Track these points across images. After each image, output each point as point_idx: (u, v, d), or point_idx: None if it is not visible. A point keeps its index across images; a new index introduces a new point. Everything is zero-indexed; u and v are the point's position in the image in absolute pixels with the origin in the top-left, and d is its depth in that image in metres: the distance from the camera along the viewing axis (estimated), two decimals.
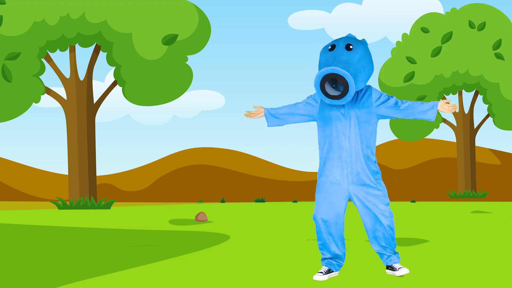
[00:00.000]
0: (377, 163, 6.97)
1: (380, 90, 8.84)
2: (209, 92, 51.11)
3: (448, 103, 6.42)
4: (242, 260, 8.02)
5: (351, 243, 9.69)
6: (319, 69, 6.37)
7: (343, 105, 6.43)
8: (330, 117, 6.45)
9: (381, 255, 6.56)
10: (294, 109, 6.63)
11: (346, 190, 6.44)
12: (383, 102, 6.47)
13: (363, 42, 6.44)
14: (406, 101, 6.47)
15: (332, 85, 6.35)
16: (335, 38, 6.75)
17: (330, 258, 6.57)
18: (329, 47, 6.39)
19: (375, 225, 6.45)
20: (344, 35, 6.50)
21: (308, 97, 6.62)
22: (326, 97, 6.30)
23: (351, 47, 6.32)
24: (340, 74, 6.18)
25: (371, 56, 6.45)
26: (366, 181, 6.41)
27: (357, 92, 6.48)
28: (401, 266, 6.52)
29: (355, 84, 6.23)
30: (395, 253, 6.56)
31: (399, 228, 11.92)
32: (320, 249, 6.58)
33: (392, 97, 6.51)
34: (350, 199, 6.50)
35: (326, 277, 6.49)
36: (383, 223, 6.43)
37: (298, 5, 54.68)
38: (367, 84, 6.52)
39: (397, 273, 6.49)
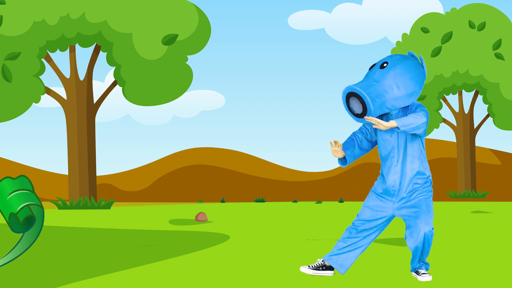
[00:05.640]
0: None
1: None
2: (209, 92, 51.06)
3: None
4: (242, 260, 8.02)
5: None
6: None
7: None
8: (385, 139, 6.23)
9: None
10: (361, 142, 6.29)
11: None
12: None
13: (406, 58, 6.14)
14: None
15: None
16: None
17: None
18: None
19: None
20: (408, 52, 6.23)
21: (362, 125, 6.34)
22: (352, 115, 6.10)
23: (385, 65, 6.07)
24: (357, 92, 5.95)
25: (412, 73, 6.09)
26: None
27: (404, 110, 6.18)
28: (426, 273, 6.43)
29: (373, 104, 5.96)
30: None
31: (398, 228, 11.90)
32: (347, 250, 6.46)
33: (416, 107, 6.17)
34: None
35: (311, 272, 6.41)
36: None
37: (298, 5, 54.64)
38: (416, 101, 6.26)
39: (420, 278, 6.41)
